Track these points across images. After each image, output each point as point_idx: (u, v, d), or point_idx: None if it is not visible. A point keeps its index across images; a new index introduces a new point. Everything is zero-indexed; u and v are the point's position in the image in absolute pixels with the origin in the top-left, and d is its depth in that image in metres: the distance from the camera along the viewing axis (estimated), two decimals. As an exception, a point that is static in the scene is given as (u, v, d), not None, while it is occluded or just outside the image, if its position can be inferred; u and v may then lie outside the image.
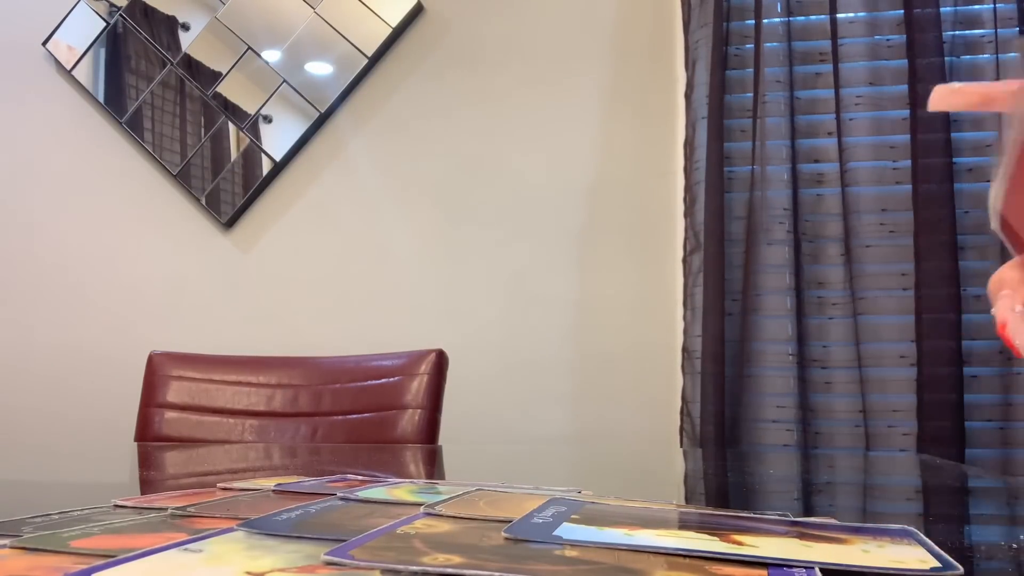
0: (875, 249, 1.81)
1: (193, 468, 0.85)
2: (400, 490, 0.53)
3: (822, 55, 1.89)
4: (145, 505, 0.47)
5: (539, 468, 0.92)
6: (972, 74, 1.82)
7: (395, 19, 2.09)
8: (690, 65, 1.92)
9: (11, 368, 2.20)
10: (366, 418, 1.38)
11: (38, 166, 2.25)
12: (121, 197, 2.21)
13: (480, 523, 0.41)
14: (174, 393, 1.44)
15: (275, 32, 2.14)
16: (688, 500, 0.61)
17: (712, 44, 1.88)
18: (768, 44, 1.89)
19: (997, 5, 1.79)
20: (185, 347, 2.07)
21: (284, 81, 2.13)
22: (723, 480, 0.76)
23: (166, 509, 0.45)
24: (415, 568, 0.31)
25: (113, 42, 2.21)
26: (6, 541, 0.36)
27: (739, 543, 0.37)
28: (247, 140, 2.14)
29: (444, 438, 1.39)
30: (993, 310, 0.40)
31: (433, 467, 0.88)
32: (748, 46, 1.91)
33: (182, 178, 2.16)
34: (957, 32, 1.82)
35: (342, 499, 0.49)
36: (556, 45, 2.06)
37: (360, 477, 0.62)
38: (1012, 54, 1.79)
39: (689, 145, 1.91)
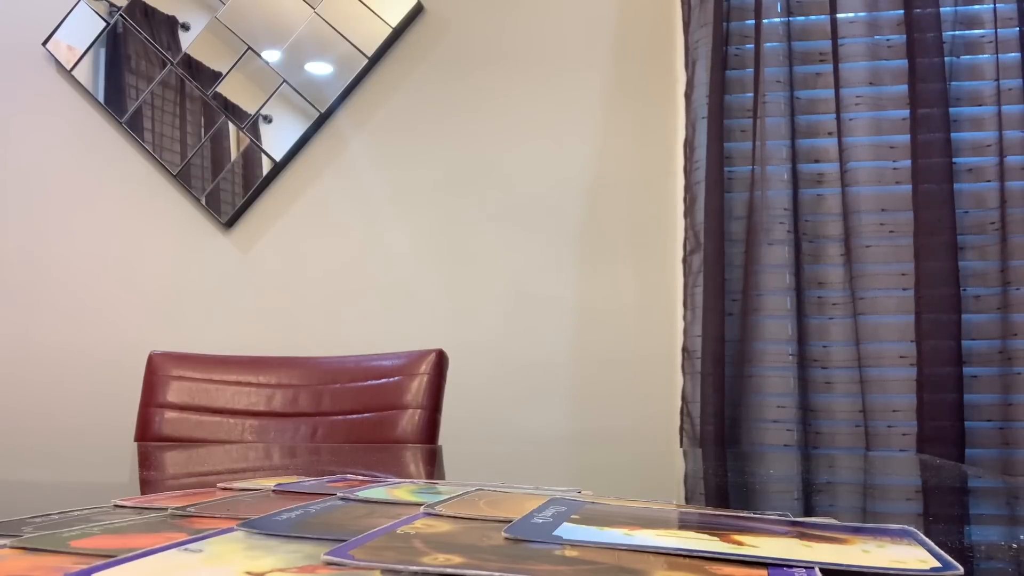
0: (875, 249, 1.81)
1: (193, 468, 0.85)
2: (400, 490, 0.53)
3: (822, 55, 1.89)
4: (145, 505, 0.47)
5: (539, 468, 0.92)
6: (972, 74, 1.82)
7: (395, 19, 2.09)
8: (690, 65, 1.92)
9: (11, 368, 2.20)
10: (366, 418, 1.38)
11: (38, 166, 2.25)
12: (121, 197, 2.21)
13: (480, 523, 0.41)
14: (174, 393, 1.44)
15: (275, 32, 2.14)
16: (688, 500, 0.61)
17: (712, 44, 1.88)
18: (768, 44, 1.89)
19: (997, 5, 1.79)
20: (185, 347, 2.07)
21: (284, 81, 2.13)
22: (723, 480, 0.76)
23: (166, 509, 0.45)
24: (415, 568, 0.31)
25: (113, 42, 2.21)
26: (6, 541, 0.36)
27: (739, 543, 0.37)
28: (247, 140, 2.14)
29: (444, 438, 1.39)
30: None
31: (433, 467, 0.88)
32: (748, 46, 1.91)
33: (182, 178, 2.16)
34: (957, 32, 1.82)
35: (342, 499, 0.49)
36: (556, 45, 2.06)
37: (360, 477, 0.62)
38: (1012, 54, 1.79)
39: (689, 145, 1.91)
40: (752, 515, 0.46)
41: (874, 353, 1.79)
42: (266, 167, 2.13)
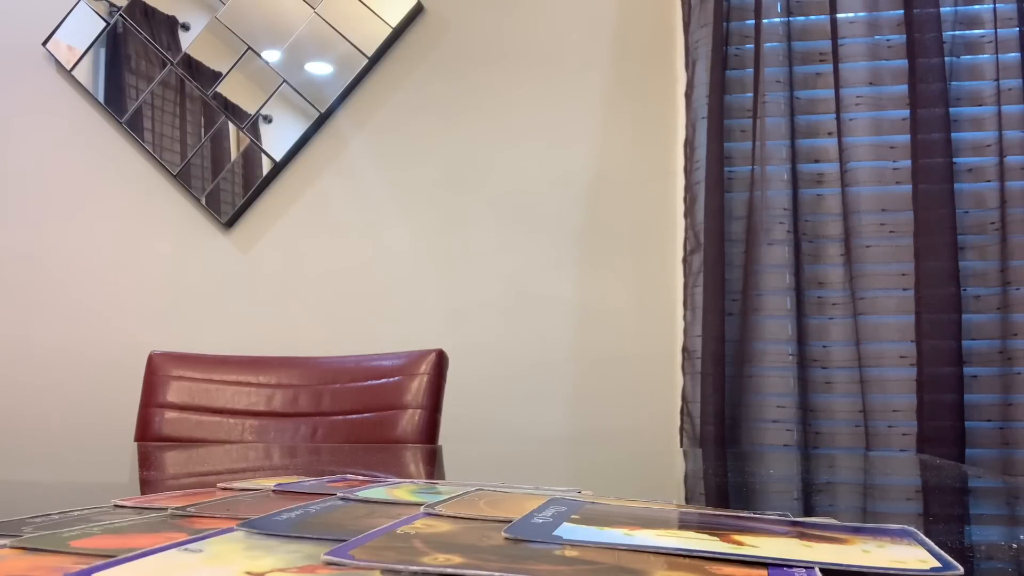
0: (875, 249, 1.81)
1: (193, 468, 0.85)
2: (400, 490, 0.53)
3: (822, 55, 1.89)
4: (145, 505, 0.47)
5: (539, 468, 0.92)
6: (972, 74, 1.82)
7: (395, 19, 2.09)
8: (690, 65, 1.92)
9: (11, 368, 2.20)
10: (366, 418, 1.38)
11: (38, 166, 2.25)
12: (121, 197, 2.21)
13: (480, 523, 0.41)
14: (174, 393, 1.45)
15: (275, 32, 2.14)
16: (688, 500, 0.61)
17: (712, 44, 1.88)
18: (768, 44, 1.89)
19: (997, 5, 1.79)
20: (185, 347, 2.07)
21: (284, 81, 2.13)
22: (723, 480, 0.76)
23: (166, 509, 0.45)
24: (415, 568, 0.31)
25: (113, 42, 2.21)
26: (6, 541, 0.36)
27: (739, 543, 0.37)
28: (247, 140, 2.14)
29: (444, 438, 1.39)
30: None
31: (433, 467, 0.88)
32: (748, 46, 1.91)
33: (182, 178, 2.16)
34: (957, 32, 1.82)
35: (342, 499, 0.49)
36: (556, 45, 2.06)
37: (360, 477, 0.62)
38: (1012, 54, 1.79)
39: (689, 145, 1.91)
40: (752, 515, 0.46)
41: (874, 353, 1.79)
42: (266, 167, 2.13)
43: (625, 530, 0.39)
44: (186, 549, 0.34)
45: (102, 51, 2.21)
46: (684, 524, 0.43)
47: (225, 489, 0.54)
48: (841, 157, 1.83)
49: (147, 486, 0.72)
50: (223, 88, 2.15)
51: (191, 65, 2.17)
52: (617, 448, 1.79)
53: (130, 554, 0.33)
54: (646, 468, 0.94)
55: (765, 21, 1.89)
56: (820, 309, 1.84)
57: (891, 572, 0.33)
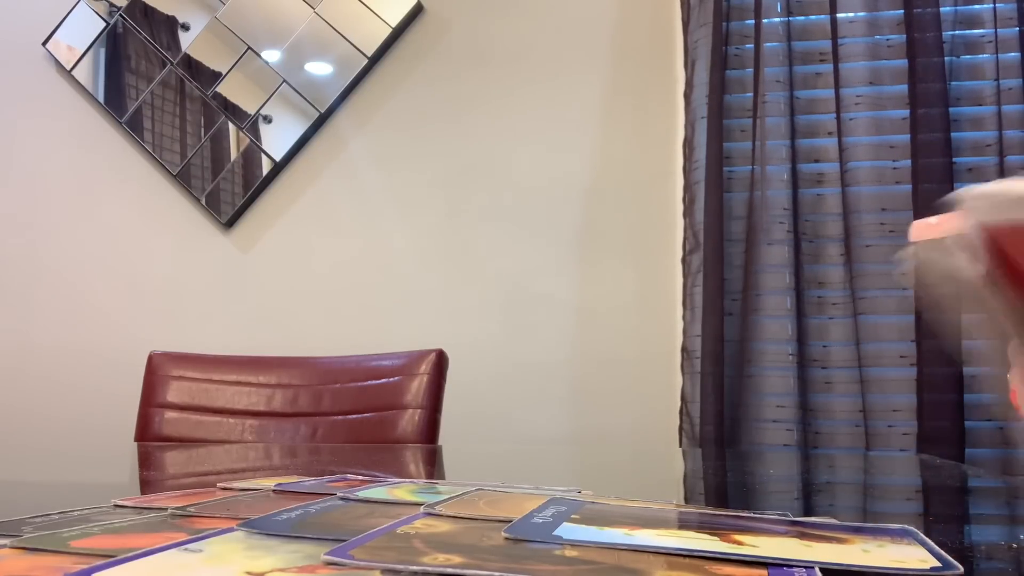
0: (875, 249, 1.81)
1: (193, 468, 0.85)
2: (400, 490, 0.53)
3: (822, 55, 1.89)
4: (145, 505, 0.47)
5: (539, 468, 0.92)
6: (972, 74, 1.82)
7: (395, 19, 2.09)
8: (689, 65, 1.92)
9: (11, 368, 2.20)
10: (366, 418, 1.38)
11: (38, 166, 2.25)
12: (121, 197, 2.21)
13: (480, 523, 0.41)
14: (174, 393, 1.45)
15: (275, 32, 2.14)
16: (688, 500, 0.61)
17: (712, 44, 1.88)
18: (768, 44, 1.89)
19: (997, 5, 1.79)
20: (185, 347, 2.07)
21: (284, 81, 2.13)
22: (723, 480, 0.76)
23: (166, 509, 0.45)
24: (415, 568, 0.31)
25: (113, 42, 2.21)
26: (6, 541, 0.36)
27: (739, 543, 0.37)
28: (247, 140, 2.13)
29: (444, 438, 1.39)
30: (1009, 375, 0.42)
31: (433, 467, 0.88)
32: (748, 46, 1.91)
33: (182, 178, 2.16)
34: (957, 32, 1.82)
35: (342, 499, 0.49)
36: (556, 45, 2.06)
37: (360, 477, 0.62)
38: (1012, 54, 1.79)
39: (688, 145, 1.91)
40: (752, 515, 0.46)
41: (874, 353, 1.79)
42: (266, 167, 2.13)
43: (625, 530, 0.39)
44: (186, 549, 0.34)
45: (102, 51, 2.21)
46: (684, 524, 0.43)
47: (225, 489, 0.54)
48: (841, 157, 1.83)
49: (147, 486, 0.72)
50: (223, 88, 2.15)
51: (191, 65, 2.17)
52: (617, 448, 1.79)
53: (130, 554, 0.33)
54: (646, 468, 0.94)
55: (765, 21, 1.89)
56: (820, 309, 1.84)
57: (891, 572, 0.33)
